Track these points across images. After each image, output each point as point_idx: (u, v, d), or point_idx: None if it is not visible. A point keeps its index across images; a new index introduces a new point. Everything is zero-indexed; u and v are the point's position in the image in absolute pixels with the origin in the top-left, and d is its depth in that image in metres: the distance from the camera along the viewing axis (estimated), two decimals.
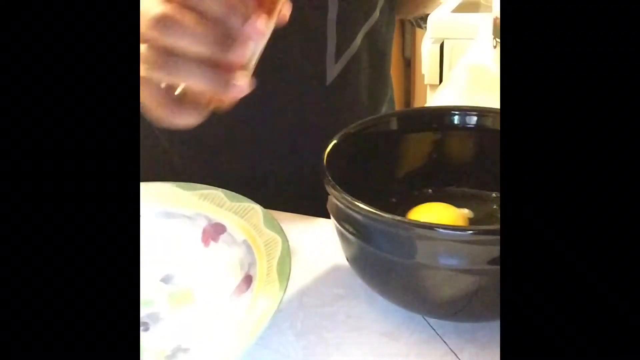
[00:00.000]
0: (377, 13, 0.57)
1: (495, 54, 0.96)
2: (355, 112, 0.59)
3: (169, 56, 0.31)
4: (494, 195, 0.45)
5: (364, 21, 0.56)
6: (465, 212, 0.43)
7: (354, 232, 0.35)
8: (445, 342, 0.36)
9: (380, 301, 0.39)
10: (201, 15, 0.32)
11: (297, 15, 0.52)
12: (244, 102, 0.56)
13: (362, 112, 0.59)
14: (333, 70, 0.55)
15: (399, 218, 0.33)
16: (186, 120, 0.34)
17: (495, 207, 0.44)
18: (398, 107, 2.26)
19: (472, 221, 0.42)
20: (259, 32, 0.34)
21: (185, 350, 0.35)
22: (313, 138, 0.56)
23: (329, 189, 0.36)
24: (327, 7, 0.53)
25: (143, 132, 0.50)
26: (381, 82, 0.63)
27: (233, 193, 0.45)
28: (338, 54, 0.55)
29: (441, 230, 0.32)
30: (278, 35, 0.52)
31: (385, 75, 0.64)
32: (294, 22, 0.52)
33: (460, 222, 0.41)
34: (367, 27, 0.57)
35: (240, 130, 0.59)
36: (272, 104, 0.55)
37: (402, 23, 2.09)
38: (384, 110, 0.65)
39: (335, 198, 0.35)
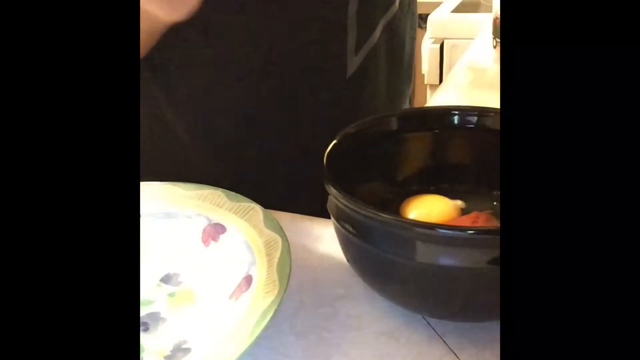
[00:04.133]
0: (396, 5, 0.57)
1: (495, 54, 0.96)
2: (375, 104, 0.59)
3: None
4: (494, 193, 0.45)
5: (383, 13, 0.56)
6: (458, 203, 0.43)
7: (354, 232, 0.35)
8: (445, 342, 0.36)
9: (380, 301, 0.39)
10: None
11: (318, 8, 0.52)
12: (259, 98, 0.57)
13: (381, 105, 0.59)
14: (353, 63, 0.54)
15: (399, 218, 0.33)
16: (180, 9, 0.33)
17: (495, 203, 0.44)
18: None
19: (465, 212, 0.42)
20: None
21: (185, 350, 0.35)
22: (331, 133, 0.56)
23: (329, 189, 0.36)
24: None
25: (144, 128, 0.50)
26: (400, 75, 0.63)
27: (233, 193, 0.45)
28: (358, 46, 0.54)
29: (441, 230, 0.32)
30: (298, 29, 0.52)
31: (405, 69, 0.64)
32: (315, 16, 0.52)
33: (453, 213, 0.42)
34: (386, 20, 0.57)
35: (242, 129, 0.59)
36: (291, 98, 0.55)
37: None
38: (405, 106, 0.65)
39: (335, 198, 0.35)
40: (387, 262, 0.34)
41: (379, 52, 0.57)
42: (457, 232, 0.32)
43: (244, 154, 0.60)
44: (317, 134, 0.56)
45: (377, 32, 0.56)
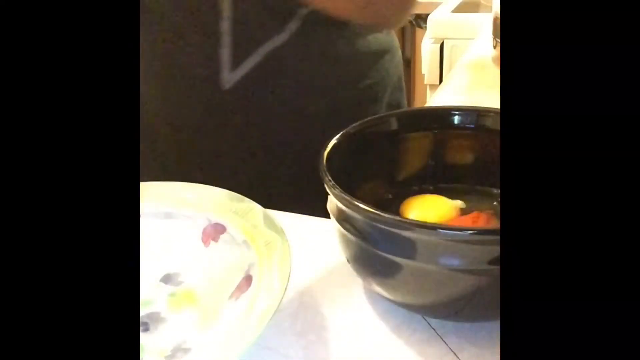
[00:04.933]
0: (283, 36, 0.56)
1: (495, 54, 0.96)
2: (268, 126, 0.60)
3: None
4: (494, 193, 0.45)
5: (267, 39, 0.56)
6: (458, 203, 0.43)
7: (354, 232, 0.35)
8: (445, 342, 0.36)
9: (380, 301, 0.39)
10: None
11: (195, 16, 0.55)
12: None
13: (280, 127, 0.60)
14: (230, 78, 0.57)
15: (399, 218, 0.33)
16: None
17: (495, 203, 0.44)
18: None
19: (465, 212, 0.42)
20: None
21: (185, 350, 0.35)
22: (208, 141, 0.60)
23: (329, 189, 0.36)
24: (221, 13, 0.54)
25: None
26: (293, 108, 0.60)
27: (233, 193, 0.45)
28: (235, 63, 0.56)
29: (441, 230, 0.32)
30: (176, 36, 0.56)
31: (302, 98, 0.60)
32: (193, 23, 0.55)
33: (453, 213, 0.42)
34: (272, 46, 0.56)
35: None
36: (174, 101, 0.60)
37: None
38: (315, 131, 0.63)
39: (335, 198, 0.35)
40: (387, 262, 0.34)
41: (263, 75, 0.57)
42: (457, 232, 0.32)
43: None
44: (201, 141, 0.61)
45: (259, 55, 0.56)
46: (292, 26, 0.56)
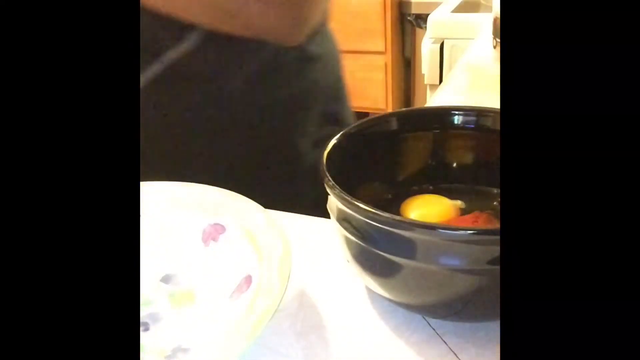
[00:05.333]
0: (185, 46, 0.56)
1: (495, 54, 0.96)
2: (173, 130, 0.60)
3: None
4: (494, 193, 0.45)
5: (163, 50, 0.56)
6: (458, 203, 0.43)
7: (354, 232, 0.35)
8: (445, 342, 0.36)
9: (380, 301, 0.39)
10: None
11: None
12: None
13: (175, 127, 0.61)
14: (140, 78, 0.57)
15: (399, 218, 0.33)
16: None
17: (495, 203, 0.44)
18: (398, 107, 2.25)
19: (465, 212, 0.43)
20: None
21: (185, 350, 0.35)
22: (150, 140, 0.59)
23: (329, 189, 0.36)
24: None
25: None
26: (177, 123, 0.61)
27: (233, 193, 0.45)
28: (142, 68, 0.56)
29: (441, 230, 0.32)
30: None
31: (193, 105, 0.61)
32: None
33: (453, 213, 0.42)
34: (174, 56, 0.56)
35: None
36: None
37: (402, 23, 2.10)
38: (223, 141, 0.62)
39: (336, 198, 0.35)
40: (387, 262, 0.34)
41: (168, 84, 0.58)
42: (457, 232, 0.32)
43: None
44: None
45: (160, 66, 0.57)
46: (193, 38, 0.56)
